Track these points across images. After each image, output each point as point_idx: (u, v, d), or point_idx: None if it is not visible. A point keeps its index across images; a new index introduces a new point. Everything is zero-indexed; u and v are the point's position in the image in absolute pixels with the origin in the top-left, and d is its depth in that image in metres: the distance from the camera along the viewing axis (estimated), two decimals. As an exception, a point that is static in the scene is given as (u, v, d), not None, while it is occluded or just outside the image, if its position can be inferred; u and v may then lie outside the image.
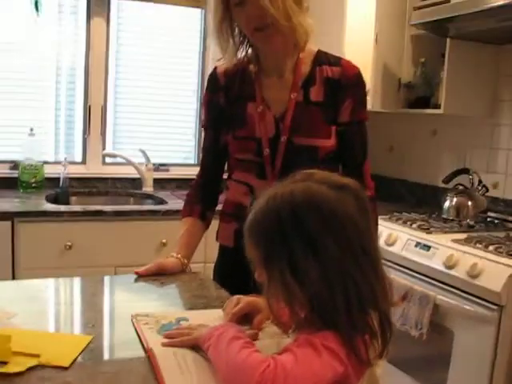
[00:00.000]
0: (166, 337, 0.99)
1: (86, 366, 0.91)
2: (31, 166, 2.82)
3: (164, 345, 0.96)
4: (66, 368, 0.88)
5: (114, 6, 3.06)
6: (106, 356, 0.98)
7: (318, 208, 0.88)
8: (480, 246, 2.03)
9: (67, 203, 2.83)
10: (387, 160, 3.39)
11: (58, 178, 2.89)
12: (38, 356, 0.90)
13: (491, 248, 1.99)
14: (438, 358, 2.06)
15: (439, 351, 2.06)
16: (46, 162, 2.91)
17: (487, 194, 2.59)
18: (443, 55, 2.61)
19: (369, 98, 2.70)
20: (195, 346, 0.94)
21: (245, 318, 1.07)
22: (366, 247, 0.89)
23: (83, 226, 2.42)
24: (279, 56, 1.47)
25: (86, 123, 3.08)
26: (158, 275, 1.42)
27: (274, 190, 0.92)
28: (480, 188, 2.56)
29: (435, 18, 2.41)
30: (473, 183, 2.57)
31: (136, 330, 1.04)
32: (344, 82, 1.47)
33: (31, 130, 2.84)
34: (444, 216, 2.55)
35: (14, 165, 2.87)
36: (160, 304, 1.26)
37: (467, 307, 1.93)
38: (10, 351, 0.89)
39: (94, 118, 3.08)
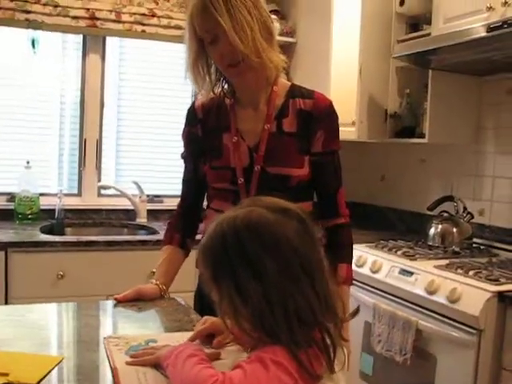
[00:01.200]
0: (132, 357, 1.04)
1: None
2: (27, 197, 2.90)
3: (128, 363, 1.01)
4: (33, 385, 0.93)
5: (115, 42, 3.17)
6: (74, 376, 1.02)
7: (257, 232, 0.94)
8: (461, 271, 2.07)
9: (62, 234, 2.89)
10: (379, 189, 3.45)
11: (54, 210, 2.96)
12: (6, 375, 0.95)
13: (471, 273, 2.03)
14: (423, 383, 2.08)
15: (423, 376, 2.07)
16: (42, 194, 2.98)
17: (473, 220, 2.63)
18: (426, 86, 2.69)
19: (354, 129, 2.80)
20: (157, 365, 0.99)
21: (210, 339, 1.12)
22: (306, 268, 0.95)
23: (75, 256, 2.48)
24: (253, 89, 1.54)
25: (81, 156, 3.16)
26: (136, 301, 1.47)
27: (223, 216, 0.98)
28: (465, 215, 2.60)
29: (416, 51, 2.49)
30: (457, 210, 2.62)
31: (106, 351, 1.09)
32: (316, 114, 1.54)
33: (27, 162, 2.92)
34: (430, 243, 2.59)
35: (11, 197, 2.95)
36: (135, 327, 1.31)
37: (448, 332, 1.96)
38: (-19, 370, 0.94)
39: (89, 151, 3.16)
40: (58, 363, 1.02)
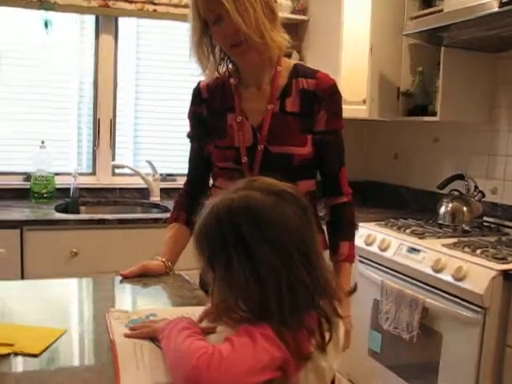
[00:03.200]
0: (131, 329, 1.08)
1: (55, 354, 0.99)
2: (42, 177, 2.95)
3: (126, 336, 1.04)
4: (36, 355, 0.97)
5: (133, 21, 3.20)
6: (76, 347, 1.06)
7: (252, 214, 0.96)
8: (468, 249, 2.07)
9: (77, 212, 2.94)
10: (392, 167, 3.44)
11: (69, 189, 3.01)
12: (12, 345, 0.99)
13: (478, 252, 2.03)
14: (429, 360, 2.10)
15: (429, 353, 2.09)
16: (57, 174, 3.03)
17: (485, 199, 2.62)
18: (439, 64, 2.66)
19: (365, 108, 2.79)
20: (153, 338, 1.02)
21: None
22: (302, 250, 0.97)
23: (88, 234, 2.53)
24: (256, 69, 1.55)
25: (95, 136, 3.20)
26: (142, 276, 1.51)
27: (217, 199, 1.00)
28: (476, 194, 2.59)
29: (427, 28, 2.47)
30: (468, 189, 2.61)
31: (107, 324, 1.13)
32: (319, 94, 1.54)
33: (42, 142, 2.97)
34: (440, 222, 2.59)
35: (27, 176, 3.01)
36: (139, 302, 1.35)
37: (454, 310, 1.97)
38: (-12, 341, 0.99)
39: (103, 130, 3.20)
40: (61, 335, 1.06)
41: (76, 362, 1.00)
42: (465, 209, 2.55)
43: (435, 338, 2.07)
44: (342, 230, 1.63)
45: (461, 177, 2.62)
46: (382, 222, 2.59)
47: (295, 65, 1.62)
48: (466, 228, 2.48)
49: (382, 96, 2.85)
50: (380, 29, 2.78)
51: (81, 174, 3.13)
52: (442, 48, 2.63)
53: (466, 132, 2.86)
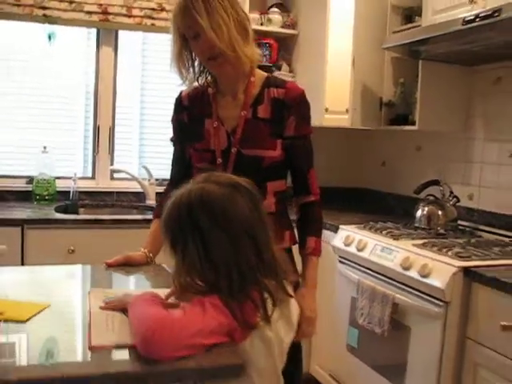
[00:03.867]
0: (106, 303, 1.24)
1: (38, 321, 1.16)
2: (44, 180, 3.13)
3: (101, 308, 1.21)
4: (23, 321, 1.14)
5: (139, 35, 3.40)
6: (57, 318, 1.22)
7: (206, 204, 1.13)
8: (434, 249, 2.22)
9: (76, 214, 3.11)
10: (380, 175, 3.59)
11: (69, 192, 3.19)
12: (1, 314, 1.15)
13: (444, 251, 2.18)
14: (399, 353, 2.24)
15: (399, 347, 2.23)
16: (58, 177, 3.21)
17: (462, 204, 2.77)
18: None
19: (347, 117, 2.95)
20: (125, 310, 1.18)
21: None
22: (250, 236, 1.13)
23: (85, 233, 2.69)
24: (231, 80, 1.72)
25: (95, 142, 3.39)
26: (125, 265, 1.68)
27: (180, 191, 1.17)
28: (451, 198, 2.73)
29: (402, 42, 2.63)
30: (444, 194, 2.76)
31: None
32: (288, 102, 1.71)
33: (44, 147, 3.16)
34: (416, 225, 2.73)
35: (30, 179, 3.19)
36: (118, 286, 1.50)
37: (420, 304, 2.11)
38: (-19, 310, 1.16)
39: (102, 137, 3.38)
40: (45, 308, 1.23)
41: (56, 328, 1.16)
42: (440, 212, 2.69)
43: (404, 332, 2.21)
44: (309, 227, 1.78)
45: (436, 182, 2.77)
46: (361, 225, 2.73)
47: (267, 76, 1.78)
48: (441, 231, 2.62)
49: (364, 106, 3.01)
50: (362, 43, 2.95)
51: (81, 178, 3.31)
52: (420, 61, 2.79)
53: (446, 140, 3.01)
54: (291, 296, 1.27)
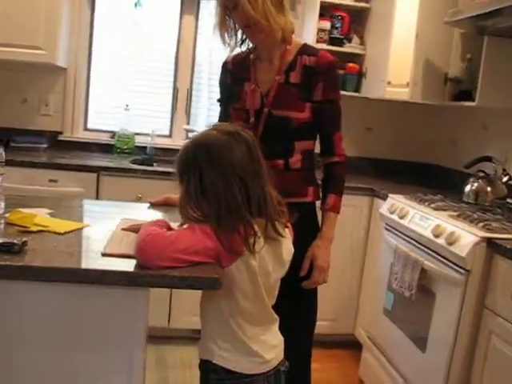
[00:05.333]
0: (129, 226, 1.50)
1: (72, 234, 1.43)
2: (125, 135, 3.48)
3: (122, 229, 1.47)
4: (60, 234, 1.42)
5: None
6: (90, 233, 1.49)
7: (205, 147, 1.34)
8: (466, 220, 2.28)
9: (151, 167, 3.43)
10: (446, 151, 3.61)
11: (146, 147, 3.53)
12: (47, 226, 1.44)
13: (475, 222, 2.24)
14: (424, 317, 2.35)
15: (425, 311, 2.34)
16: (137, 133, 3.55)
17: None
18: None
19: (407, 90, 3.01)
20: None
21: None
22: (242, 178, 1.33)
23: (152, 183, 2.99)
24: (268, 47, 1.90)
25: (173, 103, 3.68)
26: (167, 205, 1.93)
27: (191, 137, 1.40)
28: (503, 176, 2.75)
29: (463, 17, 2.65)
30: (496, 171, 2.77)
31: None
32: (317, 69, 1.87)
33: (127, 106, 3.50)
34: (464, 199, 2.78)
35: (113, 134, 3.55)
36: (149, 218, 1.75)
37: (444, 271, 2.21)
38: (33, 223, 1.45)
39: (180, 98, 3.68)
40: (83, 227, 1.51)
41: (85, 240, 1.43)
42: (488, 189, 2.72)
43: (430, 297, 2.31)
44: (331, 185, 1.94)
45: (489, 159, 2.78)
46: (409, 195, 2.82)
47: (303, 44, 1.94)
48: (487, 207, 2.65)
49: (426, 80, 3.05)
50: (428, 17, 2.97)
51: (158, 136, 3.63)
52: (486, 37, 2.78)
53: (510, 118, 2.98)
54: (282, 236, 1.45)
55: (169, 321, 3.11)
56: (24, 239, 1.26)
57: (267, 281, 1.44)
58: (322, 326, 3.13)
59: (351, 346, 3.24)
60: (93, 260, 1.25)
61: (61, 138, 3.50)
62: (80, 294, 1.24)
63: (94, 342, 1.27)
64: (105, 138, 3.58)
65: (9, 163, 2.89)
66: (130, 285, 1.20)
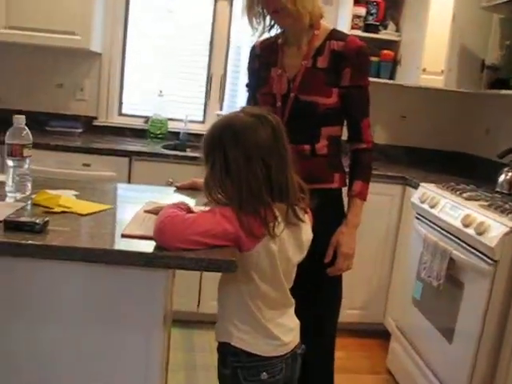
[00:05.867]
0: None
1: (94, 216, 1.47)
2: (158, 120, 3.52)
3: (145, 211, 1.49)
4: (82, 215, 1.45)
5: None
6: (113, 215, 1.52)
7: (231, 128, 1.36)
8: (497, 210, 2.23)
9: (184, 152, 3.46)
10: (483, 141, 3.52)
11: (179, 133, 3.56)
12: (70, 208, 1.48)
13: (506, 213, 2.19)
14: (453, 307, 2.31)
15: (454, 301, 2.30)
16: (171, 119, 3.59)
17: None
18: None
19: (441, 78, 2.95)
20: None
21: None
22: (265, 160, 1.33)
23: (182, 168, 3.02)
24: (296, 31, 1.89)
25: (207, 89, 3.70)
26: (191, 189, 1.95)
27: (219, 118, 1.41)
28: (539, 166, 2.67)
29: (502, 1, 2.57)
30: (532, 161, 2.70)
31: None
32: (346, 54, 1.84)
33: (160, 91, 3.53)
34: (498, 189, 2.71)
35: (146, 119, 3.59)
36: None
37: (473, 261, 2.17)
38: (57, 204, 1.48)
39: (214, 85, 3.69)
40: (106, 209, 1.54)
41: (106, 222, 1.47)
42: (523, 179, 2.65)
43: (459, 288, 2.27)
44: (358, 171, 1.92)
45: (523, 148, 2.71)
46: (441, 184, 2.77)
47: (332, 30, 1.92)
48: (521, 197, 2.59)
49: (462, 67, 2.98)
50: (465, 2, 2.90)
51: (192, 122, 3.65)
52: (525, 22, 2.71)
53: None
54: (302, 221, 1.45)
55: (198, 305, 3.14)
56: (46, 219, 1.29)
57: (286, 265, 1.45)
58: (351, 314, 3.17)
59: (380, 335, 3.22)
60: (111, 241, 1.28)
61: (95, 123, 3.56)
62: (98, 274, 1.27)
63: (113, 321, 1.30)
64: (139, 123, 3.62)
65: (43, 147, 3.01)
66: (148, 266, 1.22)
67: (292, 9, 1.78)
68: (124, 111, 3.67)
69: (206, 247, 1.27)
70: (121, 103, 3.67)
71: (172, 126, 3.60)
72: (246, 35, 3.65)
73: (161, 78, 3.65)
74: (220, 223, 1.28)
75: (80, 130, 3.39)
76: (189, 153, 3.32)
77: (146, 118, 3.61)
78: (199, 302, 3.15)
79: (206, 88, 3.73)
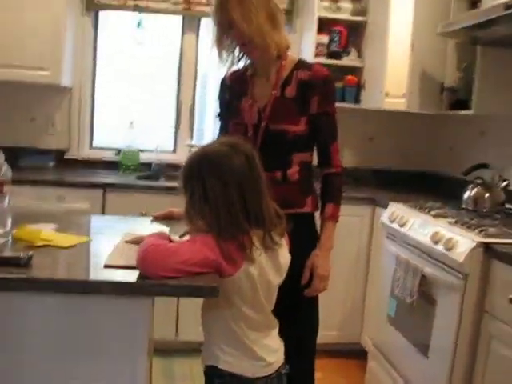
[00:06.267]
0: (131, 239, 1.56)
1: (75, 248, 1.49)
2: (130, 152, 3.56)
3: (125, 242, 1.53)
4: (63, 248, 1.48)
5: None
6: (93, 246, 1.55)
7: (207, 159, 1.41)
8: (463, 226, 2.32)
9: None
10: (447, 159, 3.66)
11: (151, 163, 3.60)
12: (51, 241, 1.50)
13: (472, 228, 2.28)
14: (426, 323, 2.38)
15: (426, 317, 2.37)
16: (142, 150, 3.63)
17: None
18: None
19: (403, 101, 3.07)
20: (141, 244, 1.49)
21: None
22: (240, 188, 1.39)
23: (156, 198, 3.05)
24: (264, 63, 1.97)
25: (177, 118, 3.76)
26: (168, 219, 1.99)
27: (195, 149, 1.47)
28: (500, 182, 2.79)
29: (457, 27, 2.70)
30: (493, 177, 2.81)
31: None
32: (313, 83, 1.93)
33: (131, 123, 3.58)
34: (463, 206, 2.82)
35: (118, 151, 3.63)
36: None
37: (444, 277, 2.25)
38: (38, 238, 1.51)
39: (183, 114, 3.75)
40: (86, 241, 1.57)
41: (88, 253, 1.50)
42: (486, 195, 2.76)
43: (431, 304, 2.34)
44: (329, 195, 1.99)
45: (485, 166, 2.83)
46: (410, 203, 2.86)
47: (298, 60, 2.01)
48: (486, 213, 2.69)
49: (423, 90, 3.11)
50: (423, 29, 3.04)
51: (163, 152, 3.70)
52: (478, 47, 2.85)
53: (507, 125, 3.02)
54: (279, 245, 1.50)
55: (176, 333, 3.15)
56: (30, 253, 1.32)
57: (267, 288, 1.50)
58: (328, 335, 3.21)
59: (357, 354, 3.26)
60: (95, 271, 1.31)
61: (67, 156, 3.58)
62: (84, 305, 1.30)
63: (98, 351, 1.32)
64: (110, 156, 3.65)
65: (17, 182, 3.01)
66: (132, 294, 1.25)
67: (260, 41, 1.86)
68: (95, 144, 3.70)
69: (189, 275, 1.31)
70: (92, 136, 3.70)
71: (144, 157, 3.64)
72: (213, 66, 3.75)
73: (131, 109, 3.70)
74: (201, 251, 1.33)
75: (52, 164, 3.40)
76: (161, 183, 3.36)
77: (118, 150, 3.64)
78: (177, 329, 3.16)
79: (176, 118, 3.79)
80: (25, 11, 3.11)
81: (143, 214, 2.98)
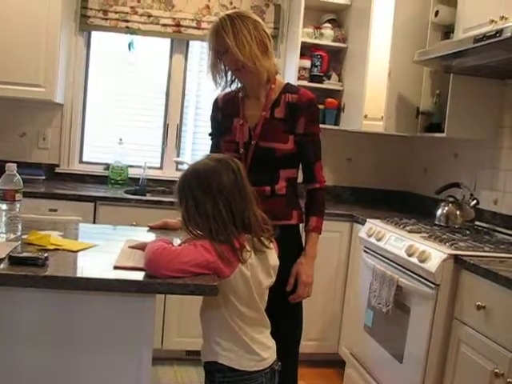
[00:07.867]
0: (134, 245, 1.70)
1: (85, 252, 1.63)
2: (118, 167, 3.68)
3: (130, 247, 1.66)
4: (74, 251, 1.61)
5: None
6: (99, 252, 1.69)
7: (197, 174, 1.58)
8: (436, 240, 2.51)
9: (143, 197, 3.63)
10: (422, 179, 3.87)
11: (139, 179, 3.73)
12: (62, 245, 1.63)
13: (443, 242, 2.46)
14: (401, 330, 2.54)
15: (401, 325, 2.54)
16: (130, 166, 3.76)
17: (487, 208, 3.04)
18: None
19: (381, 123, 3.27)
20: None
21: None
22: (227, 199, 1.55)
23: (144, 211, 3.18)
24: (255, 86, 2.13)
25: (164, 136, 3.91)
26: (163, 229, 2.13)
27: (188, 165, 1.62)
28: (471, 200, 2.99)
29: (431, 56, 2.92)
30: (464, 196, 3.01)
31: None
32: (299, 105, 2.10)
33: (120, 139, 3.71)
34: (436, 222, 3.01)
35: (107, 166, 3.75)
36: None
37: (417, 287, 2.42)
38: (49, 242, 1.64)
39: (170, 132, 3.90)
40: (92, 246, 1.70)
41: (97, 256, 1.63)
42: (458, 212, 2.96)
43: (405, 312, 2.51)
44: (312, 208, 2.16)
45: (457, 185, 3.03)
46: (386, 220, 3.04)
47: (286, 84, 2.18)
48: (457, 229, 2.88)
49: (400, 114, 3.31)
50: (400, 56, 3.24)
51: (150, 168, 3.83)
52: (451, 74, 3.06)
53: (479, 148, 3.23)
54: (269, 248, 1.66)
55: (162, 342, 3.26)
56: (45, 254, 1.45)
57: (259, 288, 1.65)
58: (308, 345, 3.35)
59: (336, 364, 3.41)
60: (107, 272, 1.44)
61: (58, 170, 3.69)
62: (97, 301, 1.44)
63: (108, 343, 1.46)
64: (99, 170, 3.78)
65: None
66: (140, 291, 1.39)
67: (251, 67, 2.03)
68: (85, 159, 3.82)
69: (190, 275, 1.45)
70: (82, 151, 3.82)
71: (132, 173, 3.77)
72: (196, 86, 3.93)
73: (120, 126, 3.83)
74: (202, 254, 1.48)
75: (43, 177, 3.51)
76: (149, 197, 3.49)
77: (107, 165, 3.76)
78: (162, 339, 3.27)
79: (163, 136, 3.93)
80: (20, 29, 3.25)
81: (134, 225, 3.12)
